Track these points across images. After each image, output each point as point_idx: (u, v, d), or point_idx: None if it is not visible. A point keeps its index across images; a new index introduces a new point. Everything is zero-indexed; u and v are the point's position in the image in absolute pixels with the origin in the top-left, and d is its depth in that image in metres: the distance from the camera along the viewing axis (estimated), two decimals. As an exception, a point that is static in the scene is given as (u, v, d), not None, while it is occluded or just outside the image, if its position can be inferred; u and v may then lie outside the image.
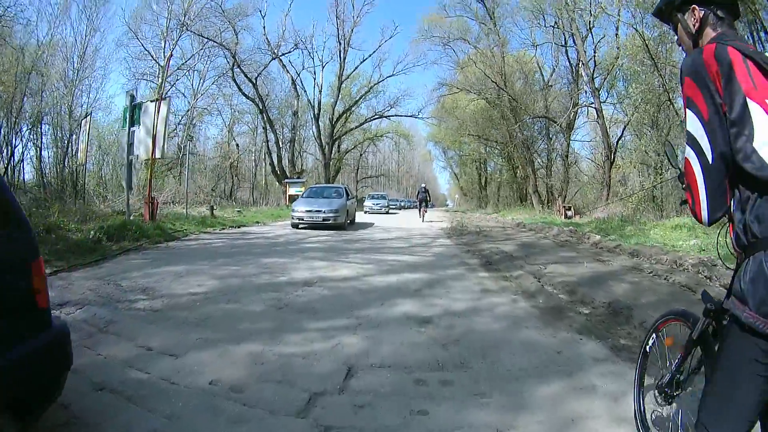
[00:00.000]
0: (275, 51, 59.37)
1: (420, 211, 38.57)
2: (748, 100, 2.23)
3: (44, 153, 38.78)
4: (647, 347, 4.04)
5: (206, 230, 22.30)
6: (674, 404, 3.51)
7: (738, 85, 2.27)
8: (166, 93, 48.07)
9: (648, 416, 3.88)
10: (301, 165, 73.37)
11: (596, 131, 47.79)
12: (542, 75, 53.21)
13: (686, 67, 2.48)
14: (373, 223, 31.34)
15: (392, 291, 9.55)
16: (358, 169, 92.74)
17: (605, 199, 38.33)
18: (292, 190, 51.71)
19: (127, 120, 21.23)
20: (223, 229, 24.03)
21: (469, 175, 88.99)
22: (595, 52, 42.54)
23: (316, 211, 24.95)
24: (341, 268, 12.24)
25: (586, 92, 45.50)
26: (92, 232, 15.17)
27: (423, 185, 40.74)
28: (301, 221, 25.07)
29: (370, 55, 65.03)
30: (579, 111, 47.17)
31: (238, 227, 25.77)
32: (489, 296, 9.34)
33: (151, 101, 21.97)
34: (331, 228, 24.42)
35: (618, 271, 11.80)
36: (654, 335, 3.96)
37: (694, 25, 2.72)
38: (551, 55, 52.86)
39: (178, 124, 53.56)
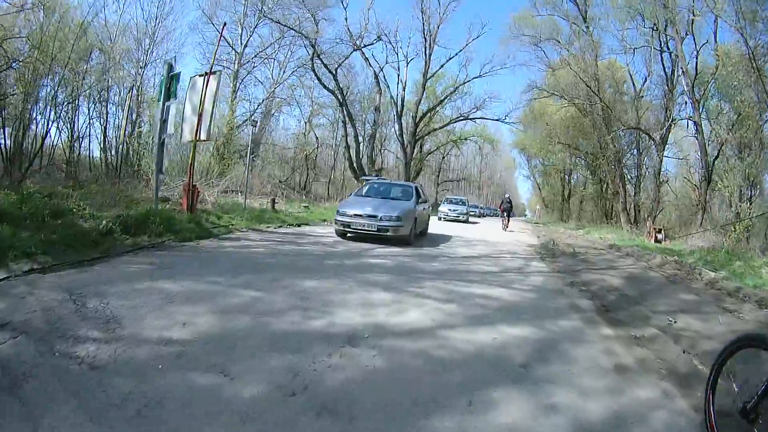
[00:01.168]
0: (357, 43, 57.01)
1: (503, 221, 40.29)
2: None
3: (109, 132, 38.14)
4: (718, 373, 4.16)
5: (258, 227, 20.02)
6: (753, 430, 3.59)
7: None
8: (241, 80, 49.85)
9: None
10: (381, 163, 71.45)
11: (691, 148, 45.65)
12: (633, 84, 49.53)
13: None
14: (451, 235, 26.04)
15: (485, 367, 6.13)
16: (439, 172, 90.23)
17: (699, 224, 35.28)
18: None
19: (163, 93, 18.39)
20: (280, 227, 21.72)
21: (551, 186, 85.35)
22: (697, 59, 38.98)
23: (370, 216, 18.57)
24: (410, 306, 8.82)
25: (682, 104, 42.74)
26: (104, 222, 12.63)
27: (507, 195, 42.76)
28: (347, 229, 18.96)
29: (456, 54, 61.64)
30: (673, 125, 43.61)
31: (298, 226, 23.49)
32: (629, 384, 6.04)
33: (200, 75, 19.21)
34: (391, 242, 18.51)
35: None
36: (726, 360, 4.12)
37: None
38: (643, 64, 49.37)
39: (254, 112, 52.81)
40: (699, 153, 39.09)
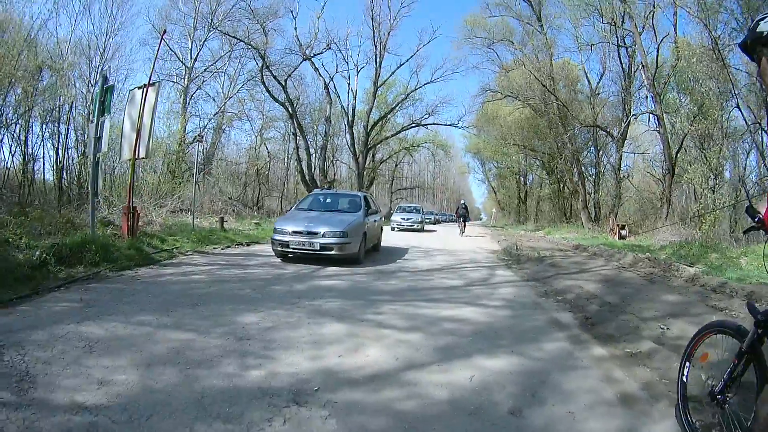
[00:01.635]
0: (306, 52, 55.41)
1: (459, 226, 40.29)
2: None
3: (61, 152, 35.90)
4: (689, 358, 4.44)
5: (204, 249, 18.14)
6: (723, 412, 3.81)
7: None
8: (191, 96, 48.02)
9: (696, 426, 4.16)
10: (334, 174, 70.09)
11: (651, 142, 45.46)
12: (589, 82, 49.39)
13: None
14: (408, 247, 23.97)
15: (466, 421, 4.65)
16: (392, 180, 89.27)
17: (665, 218, 34.48)
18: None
19: (96, 108, 16.00)
20: (228, 247, 19.73)
21: (507, 188, 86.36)
22: (658, 52, 37.89)
23: (311, 233, 15.67)
24: (368, 341, 7.22)
25: (641, 99, 42.73)
26: (37, 252, 11.13)
27: (462, 201, 42.58)
28: (286, 249, 15.81)
29: (407, 60, 60.43)
30: (631, 120, 42.81)
31: (247, 245, 21.37)
32: (644, 420, 4.83)
33: (138, 88, 17.37)
34: (337, 262, 15.80)
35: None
36: (696, 347, 4.38)
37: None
38: (599, 61, 49.86)
39: (204, 128, 51.18)
40: (661, 146, 38.52)
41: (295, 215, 18.02)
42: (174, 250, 16.75)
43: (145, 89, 16.97)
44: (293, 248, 15.59)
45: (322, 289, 11.64)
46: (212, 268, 14.09)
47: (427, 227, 48.49)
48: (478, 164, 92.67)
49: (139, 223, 17.81)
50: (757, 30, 2.84)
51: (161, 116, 39.80)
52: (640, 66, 38.61)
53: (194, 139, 28.40)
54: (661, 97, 37.11)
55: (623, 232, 32.92)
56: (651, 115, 40.38)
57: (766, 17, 2.84)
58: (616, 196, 42.54)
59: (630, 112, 41.79)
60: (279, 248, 15.95)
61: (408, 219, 43.85)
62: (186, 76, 48.67)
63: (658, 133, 37.91)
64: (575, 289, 12.22)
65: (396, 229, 41.61)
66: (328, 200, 20.28)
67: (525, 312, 9.91)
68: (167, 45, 46.34)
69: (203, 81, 52.03)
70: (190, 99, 49.84)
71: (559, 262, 18.35)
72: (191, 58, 49.52)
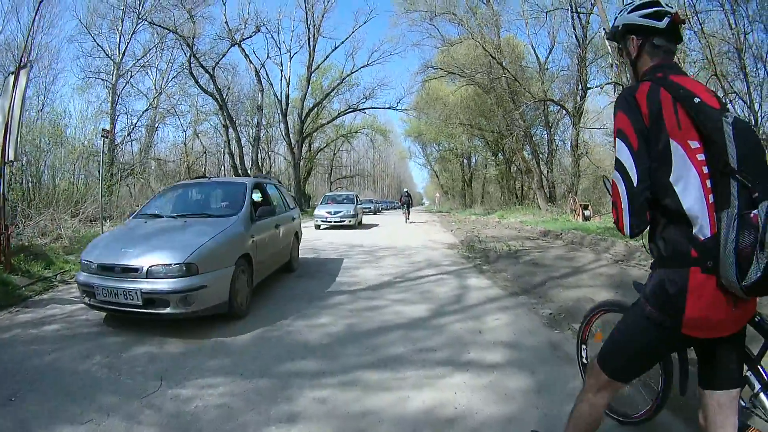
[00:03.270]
0: (235, 37, 51.33)
1: (404, 213, 41.46)
2: (670, 140, 2.67)
3: None
4: (584, 333, 4.72)
5: None
6: None
7: (664, 126, 2.69)
8: (119, 94, 43.51)
9: None
10: (270, 166, 67.15)
11: (607, 117, 41.31)
12: (537, 57, 45.72)
13: (620, 103, 2.87)
14: (346, 247, 19.37)
15: None
16: (331, 170, 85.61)
17: None
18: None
19: None
20: None
21: (450, 172, 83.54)
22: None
23: (125, 270, 7.56)
24: None
25: (595, 72, 40.29)
26: None
27: (405, 190, 45.45)
28: (92, 303, 7.91)
29: (342, 43, 58.53)
30: (588, 93, 39.75)
31: None
32: None
33: (11, 73, 13.13)
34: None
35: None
36: (590, 324, 4.66)
37: (632, 53, 3.12)
38: (546, 36, 47.30)
39: (134, 126, 47.05)
40: None
41: (124, 231, 9.36)
42: (56, 277, 11.73)
43: (15, 73, 12.52)
44: (100, 302, 7.67)
45: (211, 351, 6.73)
46: (78, 310, 8.82)
47: (366, 219, 42.51)
48: (419, 148, 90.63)
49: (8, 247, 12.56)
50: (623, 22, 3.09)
51: (90, 117, 35.96)
52: (602, 31, 35.00)
53: (101, 135, 24.55)
54: (625, 66, 33.21)
55: (587, 213, 30.12)
56: (614, 87, 36.96)
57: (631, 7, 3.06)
58: (574, 174, 39.11)
59: (586, 84, 38.87)
60: (86, 300, 7.97)
61: (336, 212, 32.11)
62: (114, 72, 44.62)
63: None
64: (589, 304, 8.02)
65: (322, 226, 31.85)
66: (197, 196, 11.48)
67: (550, 373, 5.71)
68: (94, 40, 44.01)
69: (131, 76, 47.75)
70: (118, 97, 45.57)
71: (539, 259, 14.60)
72: (119, 53, 45.27)
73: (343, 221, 31.96)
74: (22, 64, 12.89)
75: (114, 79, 44.49)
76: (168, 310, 7.26)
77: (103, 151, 23.93)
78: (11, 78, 12.54)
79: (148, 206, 10.74)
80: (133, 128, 46.58)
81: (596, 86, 38.08)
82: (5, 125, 11.89)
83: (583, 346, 4.69)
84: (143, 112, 48.28)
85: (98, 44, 44.42)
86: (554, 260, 14.18)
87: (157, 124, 52.25)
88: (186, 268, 7.36)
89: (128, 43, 45.71)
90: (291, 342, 7.05)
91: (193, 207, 10.69)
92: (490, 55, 40.45)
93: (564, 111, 41.26)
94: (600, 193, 38.40)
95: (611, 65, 34.57)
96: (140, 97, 52.17)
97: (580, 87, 39.25)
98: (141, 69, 48.71)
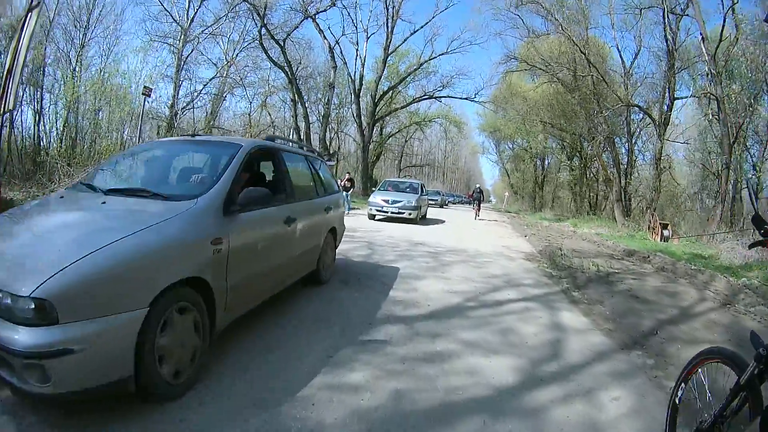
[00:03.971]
0: (308, 9, 48.58)
1: (474, 209, 39.97)
2: None
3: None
4: (685, 381, 3.96)
5: None
6: None
7: None
8: (185, 60, 42.78)
9: None
10: (338, 146, 65.67)
11: (693, 130, 41.64)
12: (622, 60, 42.25)
13: None
14: (404, 245, 16.80)
15: None
16: (401, 157, 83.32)
17: (718, 220, 30.25)
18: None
19: None
20: None
21: (522, 171, 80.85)
22: (724, 22, 31.25)
23: None
24: None
25: (683, 81, 38.24)
26: None
27: (477, 186, 42.06)
28: None
29: (421, 27, 54.86)
30: (674, 104, 36.60)
31: None
32: None
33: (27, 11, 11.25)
34: None
35: None
36: (691, 374, 3.91)
37: None
38: (632, 40, 46.15)
39: (198, 93, 45.51)
40: (719, 132, 32.86)
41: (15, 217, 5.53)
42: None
43: (27, 15, 10.67)
44: None
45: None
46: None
47: (431, 213, 38.24)
48: (492, 145, 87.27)
49: None
50: None
51: (152, 80, 33.42)
52: (700, 39, 32.15)
53: (142, 92, 22.96)
54: (721, 77, 30.83)
55: (666, 233, 27.48)
56: (701, 99, 35.34)
57: None
58: (655, 189, 36.02)
59: (674, 94, 35.73)
60: None
61: (395, 202, 27.12)
62: (181, 38, 42.90)
63: (717, 119, 32.06)
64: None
65: (377, 216, 27.43)
66: (165, 163, 7.13)
67: None
68: (161, 4, 41.73)
69: (198, 43, 46.13)
70: (184, 63, 44.00)
71: (637, 289, 12.03)
72: (188, 19, 43.47)
73: (402, 213, 26.66)
74: (33, 4, 10.95)
75: (181, 44, 43.10)
76: (14, 381, 3.75)
77: (143, 110, 22.39)
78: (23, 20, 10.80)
79: (95, 173, 6.94)
80: (197, 95, 45.16)
81: (689, 96, 35.40)
82: (8, 70, 10.07)
83: (682, 385, 3.96)
84: (210, 80, 46.91)
85: (165, 9, 42.56)
86: (655, 294, 11.64)
87: (225, 94, 50.79)
88: (35, 311, 3.64)
89: (197, 9, 44.08)
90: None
91: (145, 179, 6.67)
92: (579, 49, 37.53)
93: (648, 120, 38.87)
94: (675, 211, 37.26)
95: (707, 73, 31.55)
96: (209, 67, 50.13)
97: (667, 96, 36.20)
98: (209, 36, 47.08)
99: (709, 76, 31.13)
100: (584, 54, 37.29)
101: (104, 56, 34.32)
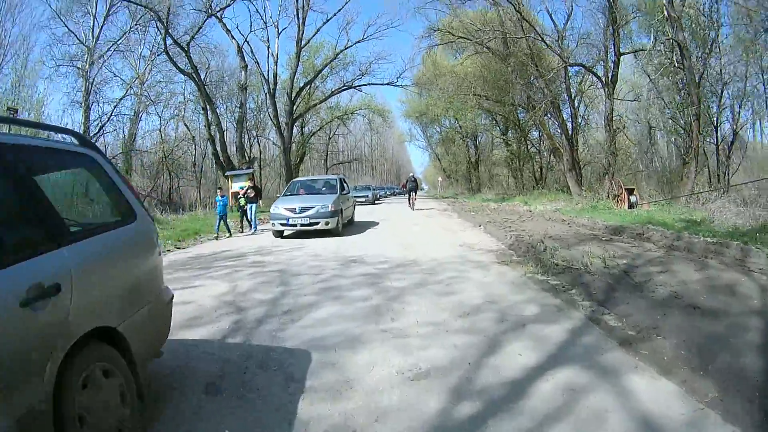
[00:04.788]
0: (212, 7, 44.41)
1: (409, 200, 37.21)
2: None
3: None
4: None
5: None
6: None
7: None
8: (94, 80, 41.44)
9: None
10: (260, 153, 61.65)
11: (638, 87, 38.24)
12: (555, 24, 37.98)
13: None
14: (333, 262, 12.69)
15: None
16: (327, 155, 78.82)
17: (692, 177, 26.86)
18: (235, 186, 35.61)
19: None
20: None
21: (453, 154, 77.80)
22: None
23: None
24: None
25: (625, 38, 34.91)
26: None
27: (411, 174, 40.98)
28: None
29: (334, 15, 50.98)
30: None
31: None
32: None
33: None
34: None
35: None
36: None
37: None
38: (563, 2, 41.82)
39: (110, 116, 43.28)
40: (683, 84, 29.65)
41: None
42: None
43: None
44: None
45: None
46: None
47: (363, 211, 32.80)
48: (419, 130, 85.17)
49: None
50: None
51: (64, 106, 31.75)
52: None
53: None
54: (680, 20, 27.62)
55: (632, 199, 24.95)
56: (650, 50, 31.74)
57: None
58: (610, 153, 32.07)
59: (619, 49, 31.82)
60: None
61: (305, 210, 19.50)
62: (87, 59, 40.66)
63: (680, 68, 28.27)
64: None
65: (284, 232, 20.12)
66: None
67: None
68: (65, 24, 39.80)
69: (104, 62, 43.53)
70: (92, 85, 41.20)
71: (677, 290, 8.05)
72: (93, 38, 41.03)
73: (316, 223, 19.30)
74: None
75: (87, 65, 40.26)
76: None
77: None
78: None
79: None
80: (109, 118, 42.43)
81: (650, 47, 31.34)
82: None
83: None
84: (120, 100, 44.46)
85: (70, 29, 40.19)
86: (709, 294, 7.66)
87: (141, 113, 48.21)
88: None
89: (102, 26, 41.33)
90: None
91: None
92: (514, 7, 33.39)
93: (588, 82, 37.47)
94: (629, 174, 34.80)
95: (665, 18, 27.74)
96: (123, 89, 46.52)
97: (611, 52, 32.26)
98: (118, 53, 44.80)
99: (668, 21, 27.65)
100: (519, 12, 33.31)
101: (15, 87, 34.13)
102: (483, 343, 6.09)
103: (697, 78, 28.18)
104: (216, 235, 20.96)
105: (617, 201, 26.04)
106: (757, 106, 36.31)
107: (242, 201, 23.26)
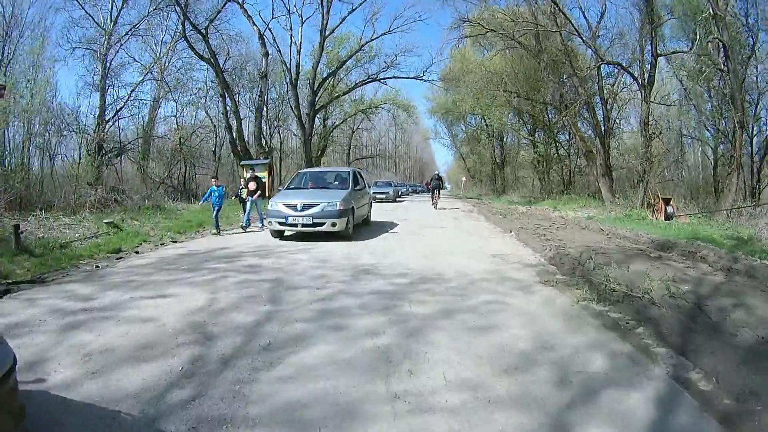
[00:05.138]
0: (233, -10, 42.73)
1: (432, 198, 35.58)
2: None
3: None
4: None
5: None
6: None
7: None
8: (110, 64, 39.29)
9: None
10: (280, 143, 60.68)
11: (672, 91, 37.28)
12: (587, 21, 35.55)
13: None
14: (341, 273, 10.42)
15: None
16: (350, 149, 77.53)
17: (734, 190, 26.16)
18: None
19: None
20: None
21: (478, 154, 75.80)
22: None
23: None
24: None
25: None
26: None
27: (436, 173, 39.87)
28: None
29: (360, 4, 49.36)
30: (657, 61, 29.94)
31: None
32: None
33: None
34: None
35: None
36: None
37: None
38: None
39: (126, 101, 40.50)
40: (720, 89, 29.19)
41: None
42: None
43: None
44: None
45: None
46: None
47: (381, 210, 30.22)
48: (444, 128, 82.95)
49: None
50: None
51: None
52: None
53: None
54: (724, 19, 25.67)
55: (669, 210, 22.95)
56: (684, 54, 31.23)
57: None
58: (645, 159, 29.64)
59: (656, 49, 29.15)
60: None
61: (307, 207, 16.20)
62: (105, 42, 38.45)
63: (724, 68, 26.84)
64: None
65: (285, 232, 17.26)
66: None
67: None
68: (82, 7, 37.39)
69: (120, 45, 40.96)
70: (109, 69, 39.14)
71: (741, 323, 6.66)
72: (111, 21, 38.69)
73: (321, 224, 15.90)
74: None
75: (104, 48, 38.22)
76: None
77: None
78: None
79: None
80: (125, 103, 40.04)
81: (691, 48, 29.26)
82: None
83: None
84: (137, 84, 41.99)
85: (87, 12, 37.88)
86: None
87: (160, 99, 46.44)
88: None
89: (120, 8, 39.05)
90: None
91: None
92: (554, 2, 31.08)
93: (627, 82, 35.01)
94: (659, 183, 32.19)
95: (711, 17, 25.61)
96: (141, 72, 44.39)
97: (647, 53, 29.58)
98: (135, 36, 42.14)
99: (713, 20, 25.71)
100: (554, 3, 30.95)
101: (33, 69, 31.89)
102: (544, 430, 4.06)
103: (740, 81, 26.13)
104: (216, 230, 18.59)
105: (653, 211, 24.21)
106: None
107: (242, 193, 20.89)
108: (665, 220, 22.05)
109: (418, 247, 14.67)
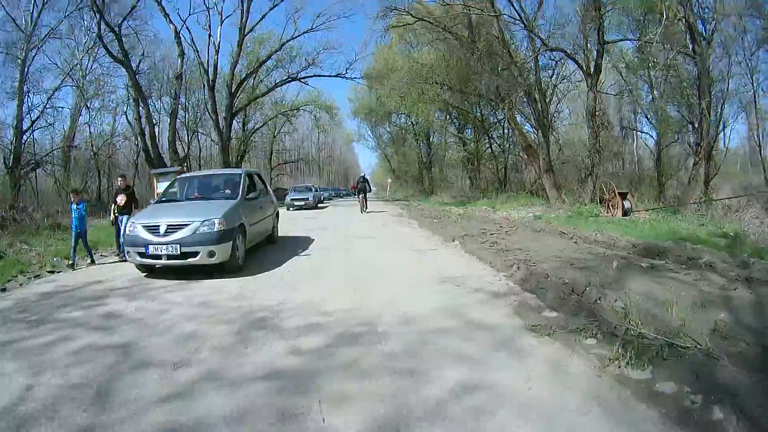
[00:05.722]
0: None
1: (360, 202, 35.08)
2: None
3: None
4: None
5: None
6: None
7: None
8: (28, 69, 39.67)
9: None
10: (199, 150, 59.84)
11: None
12: (523, 11, 32.79)
13: None
14: (240, 321, 6.97)
15: None
16: (271, 154, 74.83)
17: (703, 183, 25.78)
18: (161, 186, 27.89)
19: None
20: None
21: (403, 155, 76.49)
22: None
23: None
24: None
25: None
26: None
27: (362, 174, 38.73)
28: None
29: (281, 0, 47.25)
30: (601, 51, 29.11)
31: None
32: None
33: None
34: None
35: None
36: None
37: None
38: None
39: (43, 109, 41.48)
40: (696, 72, 27.49)
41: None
42: None
43: None
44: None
45: None
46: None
47: (301, 220, 27.05)
48: (368, 129, 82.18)
49: None
50: None
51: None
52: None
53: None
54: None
55: (626, 205, 21.73)
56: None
57: None
58: (594, 151, 28.07)
59: (603, 36, 27.77)
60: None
61: (172, 230, 10.79)
62: (25, 46, 38.59)
63: (692, 54, 26.42)
64: None
65: (153, 267, 11.65)
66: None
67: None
68: (3, 8, 37.66)
69: (37, 49, 41.12)
70: (27, 74, 39.51)
71: None
72: (31, 23, 38.64)
73: (191, 255, 10.67)
74: None
75: (24, 53, 38.37)
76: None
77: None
78: None
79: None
80: (41, 112, 40.97)
81: (658, 30, 27.14)
82: None
83: None
84: (54, 90, 42.48)
85: (8, 13, 37.97)
86: None
87: (80, 107, 46.78)
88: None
89: (41, 9, 38.99)
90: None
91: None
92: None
93: (569, 72, 35.38)
94: (614, 178, 29.80)
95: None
96: (59, 78, 44.67)
97: (592, 41, 28.56)
98: (54, 39, 42.58)
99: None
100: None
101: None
102: None
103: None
104: (71, 261, 13.35)
105: (608, 207, 22.62)
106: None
107: (115, 210, 15.30)
108: (623, 216, 20.88)
109: (339, 272, 10.84)
